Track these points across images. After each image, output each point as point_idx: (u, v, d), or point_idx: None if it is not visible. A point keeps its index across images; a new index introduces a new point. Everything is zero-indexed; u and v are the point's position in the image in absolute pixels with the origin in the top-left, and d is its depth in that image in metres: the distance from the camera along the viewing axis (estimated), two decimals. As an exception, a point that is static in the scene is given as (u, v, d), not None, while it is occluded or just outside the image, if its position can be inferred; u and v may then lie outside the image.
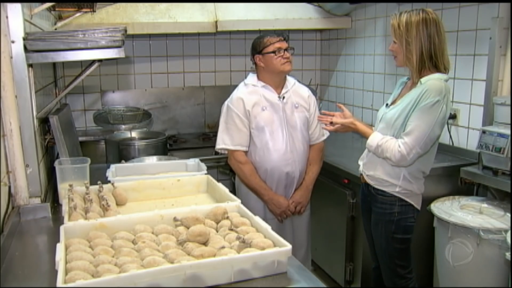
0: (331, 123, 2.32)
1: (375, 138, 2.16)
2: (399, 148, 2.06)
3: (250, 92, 2.54)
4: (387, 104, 2.29)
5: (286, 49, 2.49)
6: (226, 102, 2.60)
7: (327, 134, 2.70)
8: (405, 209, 2.22)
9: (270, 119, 2.52)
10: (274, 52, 2.46)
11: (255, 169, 2.55)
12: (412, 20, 2.06)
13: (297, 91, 2.63)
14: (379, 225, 2.27)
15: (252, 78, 2.60)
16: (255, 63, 2.57)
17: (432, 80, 2.07)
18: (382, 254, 2.31)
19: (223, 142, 2.55)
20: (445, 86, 2.07)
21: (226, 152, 2.60)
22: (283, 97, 2.56)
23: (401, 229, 2.23)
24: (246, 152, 2.57)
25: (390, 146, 2.10)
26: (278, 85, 2.57)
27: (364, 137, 2.24)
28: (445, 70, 2.13)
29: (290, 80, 2.64)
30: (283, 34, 2.54)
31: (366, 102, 4.00)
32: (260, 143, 2.52)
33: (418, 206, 2.26)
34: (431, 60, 2.08)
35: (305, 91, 2.66)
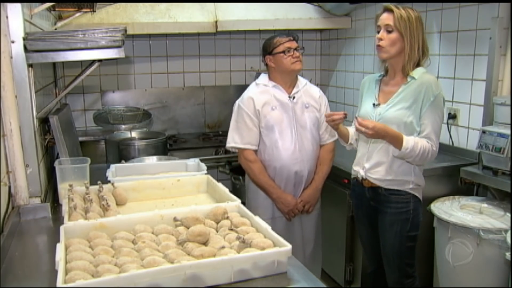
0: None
1: (409, 141, 2.10)
2: (433, 148, 2.12)
3: (261, 91, 2.57)
4: (373, 104, 2.25)
5: (295, 49, 2.51)
6: (237, 102, 2.63)
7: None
8: (417, 205, 2.25)
9: (280, 119, 2.53)
10: (283, 51, 2.49)
11: (264, 168, 2.57)
12: (411, 15, 2.12)
13: (308, 91, 2.64)
14: (394, 226, 2.24)
15: (263, 78, 2.63)
16: (266, 64, 2.60)
17: (425, 74, 2.16)
18: (394, 256, 2.29)
19: (233, 140, 2.58)
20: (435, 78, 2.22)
21: (236, 150, 2.62)
22: (294, 97, 2.57)
23: (414, 226, 2.25)
24: (255, 151, 2.59)
25: (425, 146, 2.11)
26: (289, 85, 2.59)
27: (393, 143, 2.11)
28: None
29: (302, 81, 2.66)
30: (293, 34, 2.56)
31: (366, 102, 3.99)
32: (269, 142, 2.55)
33: (422, 201, 2.30)
34: (423, 56, 2.18)
35: (316, 92, 2.68)
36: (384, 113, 2.20)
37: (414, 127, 2.15)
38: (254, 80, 2.71)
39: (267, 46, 2.57)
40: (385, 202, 2.26)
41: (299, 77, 2.65)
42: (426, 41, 2.18)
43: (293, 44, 2.52)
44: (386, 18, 2.14)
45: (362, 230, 2.49)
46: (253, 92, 2.58)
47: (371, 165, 2.26)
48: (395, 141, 2.10)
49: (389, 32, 2.12)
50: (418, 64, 2.17)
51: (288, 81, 2.58)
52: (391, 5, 2.14)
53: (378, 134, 2.08)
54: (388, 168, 2.22)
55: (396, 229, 2.25)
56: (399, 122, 2.15)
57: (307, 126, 2.58)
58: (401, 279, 2.31)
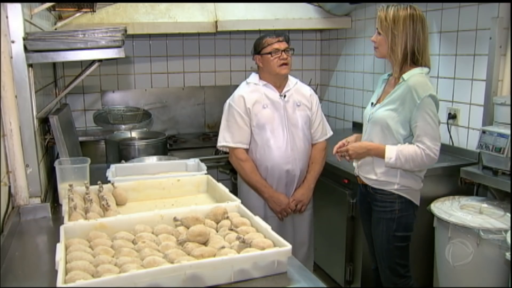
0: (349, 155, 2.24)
1: (391, 151, 2.11)
2: (425, 152, 2.07)
3: (251, 90, 2.55)
4: (372, 103, 2.29)
5: (284, 50, 2.49)
6: (228, 100, 2.61)
7: (330, 133, 2.71)
8: (405, 206, 2.22)
9: (271, 117, 2.52)
10: (270, 53, 2.47)
11: (255, 167, 2.56)
12: (399, 14, 2.10)
13: (299, 89, 2.64)
14: (380, 224, 2.27)
15: (254, 77, 2.62)
16: (256, 63, 2.59)
17: (415, 76, 2.11)
18: (383, 254, 2.31)
19: (224, 139, 2.56)
20: (426, 78, 2.12)
21: (227, 149, 2.60)
22: (285, 96, 2.56)
23: (402, 226, 2.23)
24: (247, 150, 2.58)
25: (413, 151, 2.08)
26: (279, 84, 2.58)
27: (378, 156, 2.17)
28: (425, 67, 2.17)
29: (292, 80, 2.65)
30: (284, 35, 2.54)
31: (366, 102, 3.98)
32: (261, 140, 2.53)
33: (418, 202, 2.27)
34: (413, 56, 2.12)
35: (307, 90, 2.67)
36: (374, 113, 2.22)
37: (398, 130, 2.13)
38: None
39: (256, 45, 2.56)
40: (373, 200, 2.29)
41: (290, 76, 2.64)
42: (419, 40, 2.10)
43: (282, 45, 2.49)
44: (377, 21, 2.17)
45: (364, 226, 2.49)
46: (243, 90, 2.57)
47: (361, 163, 2.31)
48: (379, 154, 2.15)
49: (379, 34, 2.16)
50: (418, 64, 2.14)
51: (277, 82, 2.57)
52: (379, 7, 2.15)
53: (359, 153, 2.20)
54: (372, 168, 2.24)
55: (382, 227, 2.26)
56: (383, 123, 2.16)
57: (298, 124, 2.57)
58: (392, 278, 2.31)
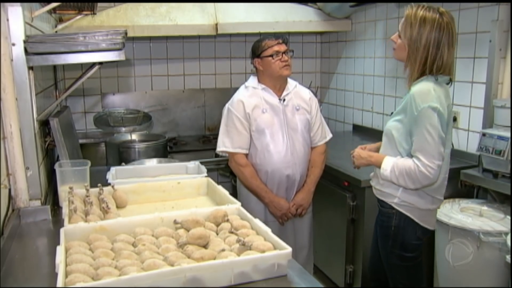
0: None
1: (388, 162, 1.99)
2: (419, 169, 1.88)
3: (250, 94, 2.54)
4: (392, 113, 2.18)
5: (284, 52, 2.48)
6: (227, 105, 2.59)
7: (329, 136, 2.70)
8: (403, 223, 2.07)
9: (271, 122, 2.51)
10: (271, 55, 2.46)
11: (255, 172, 2.55)
12: (426, 23, 1.86)
13: (299, 93, 2.62)
14: (380, 238, 2.19)
15: (252, 80, 2.60)
16: (255, 67, 2.57)
17: (419, 85, 1.92)
18: (386, 266, 2.21)
19: (224, 144, 2.55)
20: (433, 87, 1.89)
21: (226, 154, 2.60)
22: (284, 100, 2.56)
23: (398, 245, 2.10)
24: (246, 155, 2.57)
25: (408, 166, 1.92)
26: (279, 88, 2.56)
27: (377, 165, 2.06)
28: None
29: (291, 83, 2.63)
30: (282, 37, 2.53)
31: (366, 104, 4.00)
32: (260, 145, 2.52)
33: (425, 224, 2.08)
34: (431, 71, 1.91)
35: (307, 93, 2.66)
36: (387, 122, 2.14)
37: (401, 143, 2.00)
38: None
39: (255, 48, 2.53)
40: (378, 211, 2.21)
41: (289, 79, 2.62)
42: (442, 58, 1.88)
43: (282, 48, 2.48)
44: (402, 22, 1.94)
45: (373, 238, 2.35)
46: (242, 95, 2.55)
47: (373, 173, 2.24)
48: (378, 163, 2.05)
49: (400, 37, 1.96)
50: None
51: (277, 84, 2.55)
52: (408, 6, 1.92)
53: (361, 159, 2.17)
54: (378, 177, 2.14)
55: (381, 242, 2.18)
56: (389, 134, 2.07)
57: (298, 128, 2.55)
58: None
